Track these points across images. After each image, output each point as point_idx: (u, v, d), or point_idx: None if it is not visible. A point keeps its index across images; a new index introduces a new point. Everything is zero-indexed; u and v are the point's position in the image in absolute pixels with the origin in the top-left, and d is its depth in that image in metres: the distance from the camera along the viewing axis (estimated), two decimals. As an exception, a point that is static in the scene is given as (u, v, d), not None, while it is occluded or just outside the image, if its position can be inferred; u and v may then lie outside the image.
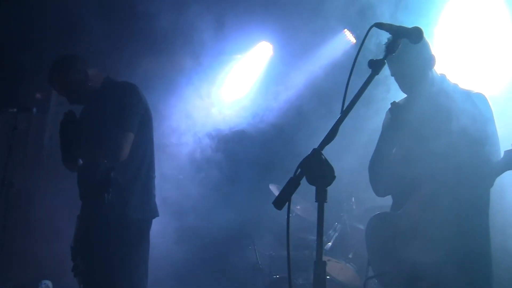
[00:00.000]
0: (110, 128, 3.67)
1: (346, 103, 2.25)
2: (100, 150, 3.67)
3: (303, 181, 2.15)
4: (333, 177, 2.15)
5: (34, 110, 4.79)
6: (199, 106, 6.54)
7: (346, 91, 2.29)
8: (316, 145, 2.18)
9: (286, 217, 2.18)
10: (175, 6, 5.31)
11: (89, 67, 3.91)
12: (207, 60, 6.29)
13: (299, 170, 2.14)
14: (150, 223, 3.89)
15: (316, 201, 2.17)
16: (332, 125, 2.20)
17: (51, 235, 5.83)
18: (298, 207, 5.78)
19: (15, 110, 4.73)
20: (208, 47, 6.00)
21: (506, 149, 2.87)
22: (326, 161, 2.15)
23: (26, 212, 6.34)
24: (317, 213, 2.17)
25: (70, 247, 3.79)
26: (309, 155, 2.15)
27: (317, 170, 2.14)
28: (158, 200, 4.00)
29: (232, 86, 7.04)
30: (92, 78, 3.89)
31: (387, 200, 3.50)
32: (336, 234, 5.34)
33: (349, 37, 6.39)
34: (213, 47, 6.11)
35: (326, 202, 2.16)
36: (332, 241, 5.39)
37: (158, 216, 3.94)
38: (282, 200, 2.15)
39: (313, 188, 2.21)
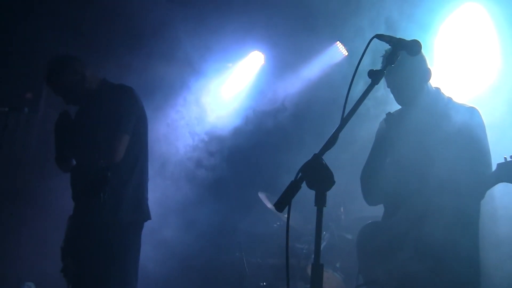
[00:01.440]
0: (105, 130, 3.69)
1: (346, 111, 2.31)
2: (94, 151, 3.66)
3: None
4: (332, 182, 2.19)
5: (26, 109, 4.76)
6: (188, 114, 6.57)
7: (346, 99, 2.34)
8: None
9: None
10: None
11: (86, 68, 3.92)
12: (201, 67, 6.34)
13: (300, 174, 2.18)
14: (142, 225, 3.89)
15: (315, 205, 2.21)
16: (333, 131, 2.25)
17: (35, 236, 5.78)
18: (286, 215, 5.79)
19: (6, 109, 4.70)
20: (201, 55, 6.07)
21: (498, 162, 2.93)
22: (326, 166, 2.19)
23: (11, 211, 6.26)
24: (316, 217, 2.22)
25: (60, 248, 3.78)
26: (309, 160, 2.19)
27: (317, 175, 2.18)
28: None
29: (222, 93, 7.08)
30: (89, 79, 3.90)
31: (376, 210, 3.53)
32: (324, 243, 5.36)
33: (341, 49, 6.46)
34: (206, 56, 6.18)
35: (325, 206, 2.20)
36: (319, 250, 5.40)
37: (150, 219, 3.94)
38: (283, 203, 2.21)
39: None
